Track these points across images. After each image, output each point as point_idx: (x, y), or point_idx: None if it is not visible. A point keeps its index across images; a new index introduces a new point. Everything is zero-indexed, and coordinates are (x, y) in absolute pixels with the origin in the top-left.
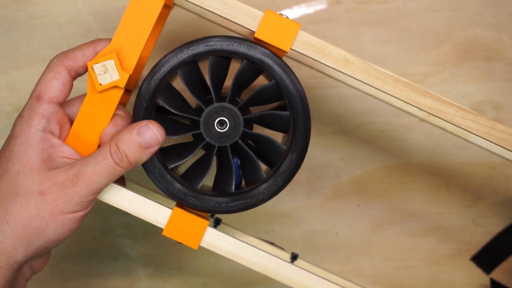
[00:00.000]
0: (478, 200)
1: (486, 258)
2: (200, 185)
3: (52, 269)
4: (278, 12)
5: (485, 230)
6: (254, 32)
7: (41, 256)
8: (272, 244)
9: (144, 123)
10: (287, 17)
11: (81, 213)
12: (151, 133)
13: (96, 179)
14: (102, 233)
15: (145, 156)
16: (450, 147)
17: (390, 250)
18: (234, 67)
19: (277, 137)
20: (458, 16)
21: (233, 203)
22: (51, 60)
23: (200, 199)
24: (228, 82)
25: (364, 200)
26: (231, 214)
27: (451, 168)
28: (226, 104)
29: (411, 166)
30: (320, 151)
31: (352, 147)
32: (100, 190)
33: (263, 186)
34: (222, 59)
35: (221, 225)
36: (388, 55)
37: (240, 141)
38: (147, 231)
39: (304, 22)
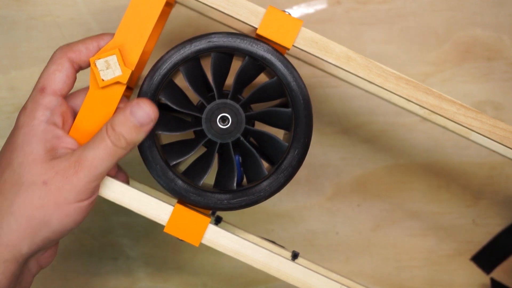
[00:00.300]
0: (478, 200)
1: (486, 258)
2: (201, 182)
3: (52, 269)
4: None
5: (485, 230)
6: (256, 28)
7: (48, 250)
8: (273, 242)
9: (135, 102)
10: (289, 14)
11: (85, 203)
12: (142, 113)
13: (97, 163)
14: (102, 233)
15: (141, 134)
16: (450, 147)
17: (390, 250)
18: (236, 64)
19: (279, 134)
20: (458, 16)
21: (235, 200)
22: (54, 52)
23: (202, 195)
24: (230, 79)
25: (364, 200)
26: (233, 211)
27: (451, 168)
28: (228, 101)
29: (411, 166)
30: (320, 151)
31: (353, 146)
32: (102, 176)
33: (265, 183)
34: (224, 55)
35: (222, 223)
36: (388, 55)
37: (242, 138)
38: (147, 231)
39: (304, 22)
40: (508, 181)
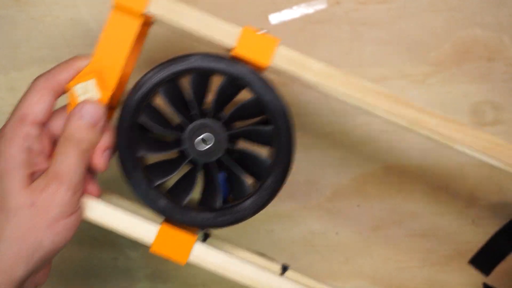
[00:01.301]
0: (478, 201)
1: (484, 260)
2: (186, 201)
3: (52, 270)
4: (260, 27)
5: (484, 231)
6: (233, 49)
7: (43, 269)
8: (263, 255)
9: (79, 106)
10: (266, 32)
11: (73, 218)
12: (91, 110)
13: (73, 171)
14: (102, 233)
15: (98, 131)
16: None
17: (390, 250)
18: (218, 79)
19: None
20: (458, 16)
21: (220, 218)
22: (36, 80)
23: (187, 215)
24: (212, 97)
25: (364, 201)
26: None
27: (451, 169)
28: (210, 120)
29: (410, 166)
30: (319, 152)
31: (352, 147)
32: (82, 184)
33: (248, 201)
34: (202, 76)
35: (212, 236)
36: (388, 55)
37: (224, 157)
38: None
39: (304, 22)
40: (507, 181)
